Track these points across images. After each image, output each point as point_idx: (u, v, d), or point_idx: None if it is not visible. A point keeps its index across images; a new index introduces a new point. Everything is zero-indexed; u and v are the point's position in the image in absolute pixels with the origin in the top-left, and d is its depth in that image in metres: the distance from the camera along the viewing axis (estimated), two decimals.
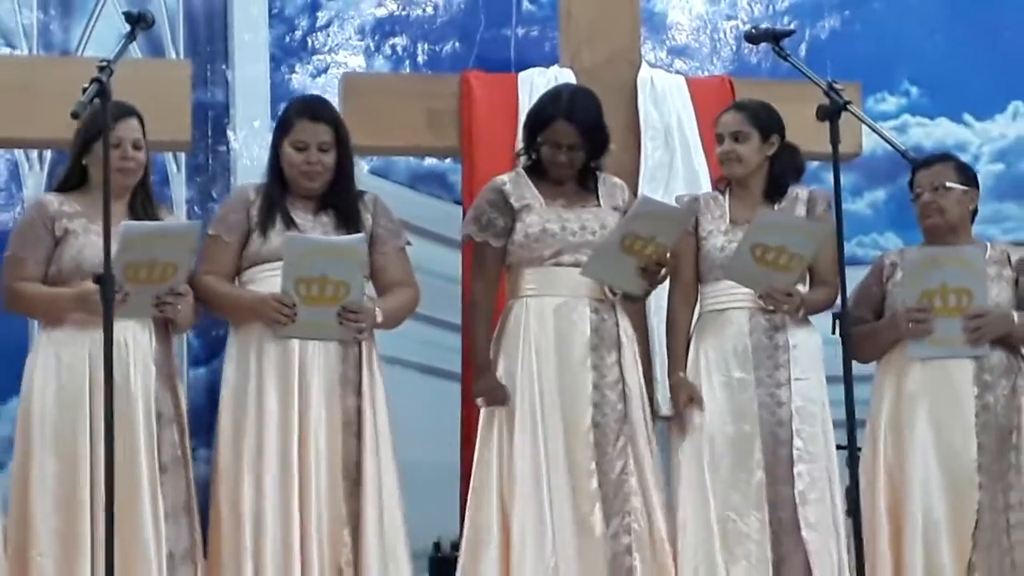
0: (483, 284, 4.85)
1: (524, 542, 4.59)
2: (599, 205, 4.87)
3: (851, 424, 4.53)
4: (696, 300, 4.98)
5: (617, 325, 4.82)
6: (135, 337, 4.47)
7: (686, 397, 4.85)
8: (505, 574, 4.62)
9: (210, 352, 6.19)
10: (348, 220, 4.69)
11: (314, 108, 4.76)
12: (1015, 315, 4.95)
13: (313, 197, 4.71)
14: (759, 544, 4.75)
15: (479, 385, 4.78)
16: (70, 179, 4.65)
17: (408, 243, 4.84)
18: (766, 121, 4.99)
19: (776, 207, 4.99)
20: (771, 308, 4.86)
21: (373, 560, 4.51)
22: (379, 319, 4.64)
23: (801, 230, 4.84)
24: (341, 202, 4.71)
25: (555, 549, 4.60)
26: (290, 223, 4.65)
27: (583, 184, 4.89)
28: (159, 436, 4.48)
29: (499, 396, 4.71)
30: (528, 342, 4.75)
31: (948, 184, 5.04)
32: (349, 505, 4.53)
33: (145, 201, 4.64)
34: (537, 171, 4.87)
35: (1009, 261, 5.09)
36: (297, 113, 4.74)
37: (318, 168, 4.67)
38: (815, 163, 5.97)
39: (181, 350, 5.96)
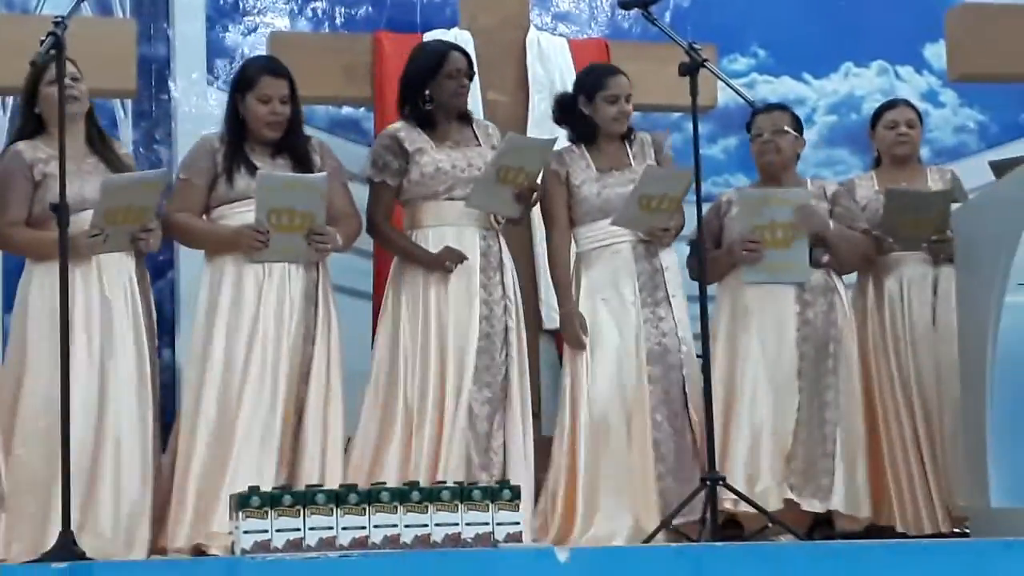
0: (382, 215, 4.93)
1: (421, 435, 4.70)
2: (480, 145, 4.94)
3: (705, 335, 4.63)
4: (571, 240, 5.04)
5: (501, 250, 4.90)
6: (122, 262, 4.52)
7: (579, 325, 4.92)
8: (405, 466, 4.67)
9: (154, 274, 6.16)
10: (301, 162, 4.75)
11: (275, 66, 4.81)
12: (831, 223, 5.10)
13: (269, 144, 4.75)
14: (646, 441, 4.81)
15: (432, 259, 4.78)
16: (25, 128, 4.63)
17: (352, 176, 4.92)
18: None
19: (630, 150, 5.04)
20: (648, 240, 4.94)
21: (313, 447, 4.59)
22: (339, 242, 4.73)
23: (677, 178, 4.93)
24: (295, 147, 4.76)
25: (443, 441, 4.68)
26: (252, 168, 4.69)
27: (462, 128, 4.95)
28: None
29: (454, 254, 4.77)
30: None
31: (785, 128, 5.14)
32: (297, 400, 4.61)
33: (99, 138, 4.66)
34: (422, 121, 4.90)
35: (825, 195, 5.22)
36: (260, 71, 4.77)
37: (280, 119, 4.72)
38: (678, 114, 6.04)
39: None
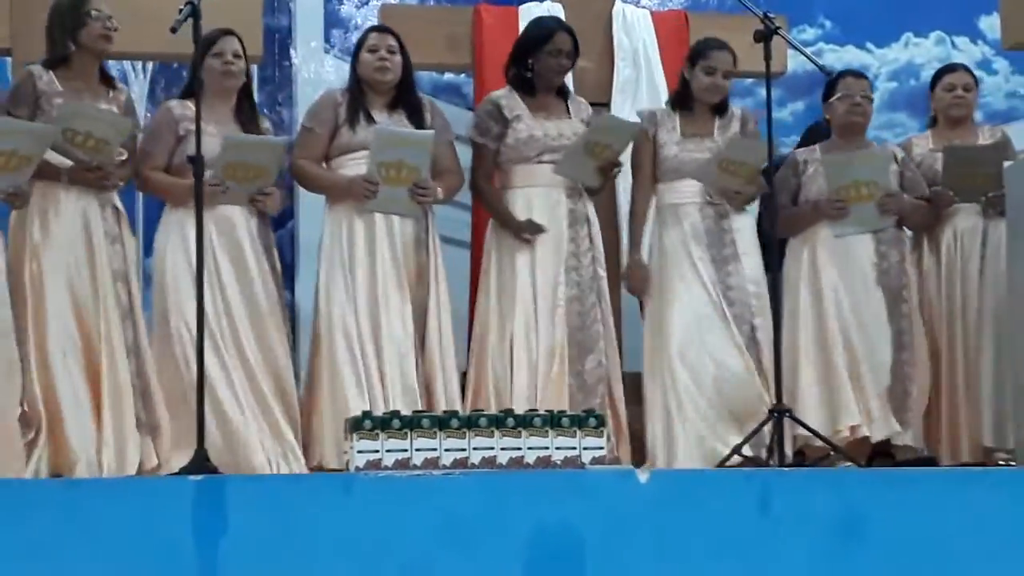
0: (483, 174, 4.92)
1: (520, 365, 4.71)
2: (571, 117, 4.91)
3: (776, 283, 4.54)
4: (653, 195, 4.96)
5: (586, 207, 4.88)
6: (244, 216, 4.57)
7: (642, 275, 4.88)
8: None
9: (275, 223, 6.17)
10: (415, 117, 4.75)
11: (382, 25, 4.93)
12: (906, 196, 5.03)
13: (386, 97, 4.75)
14: (744, 381, 4.74)
15: (518, 226, 4.80)
16: (188, 88, 4.66)
17: (456, 137, 4.90)
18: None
19: (718, 121, 4.94)
20: (718, 202, 4.86)
21: (437, 374, 4.63)
22: (440, 195, 4.73)
23: (758, 149, 4.79)
24: (408, 102, 4.75)
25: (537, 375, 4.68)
26: (371, 119, 4.70)
27: (557, 101, 4.92)
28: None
29: (534, 227, 4.77)
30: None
31: (871, 95, 5.11)
32: (417, 332, 4.64)
33: (249, 110, 4.69)
34: (524, 87, 4.85)
35: (896, 158, 5.11)
36: (369, 30, 4.90)
37: (388, 64, 4.72)
38: (750, 80, 5.94)
39: None
